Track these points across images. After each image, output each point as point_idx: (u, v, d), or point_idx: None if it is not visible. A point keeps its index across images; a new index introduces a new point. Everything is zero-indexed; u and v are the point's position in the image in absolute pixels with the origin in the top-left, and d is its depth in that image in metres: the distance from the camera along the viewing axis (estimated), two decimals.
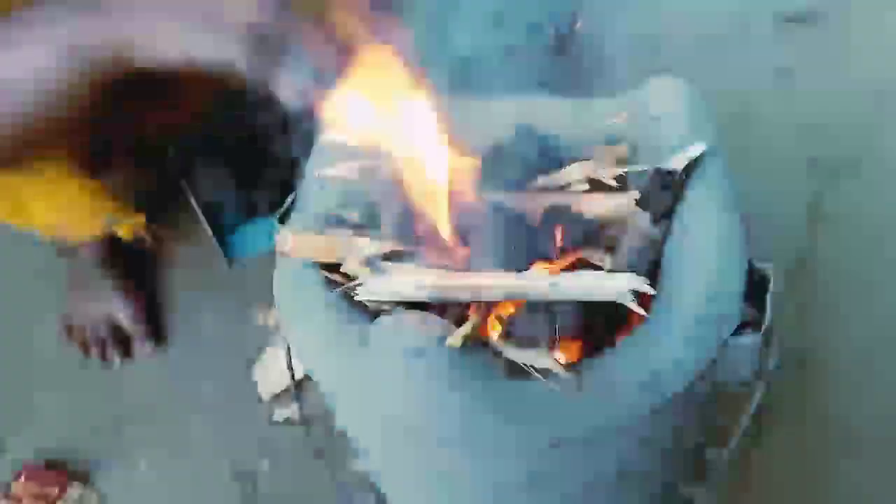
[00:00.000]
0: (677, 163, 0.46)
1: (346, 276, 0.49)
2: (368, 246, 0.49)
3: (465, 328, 0.39)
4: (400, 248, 0.49)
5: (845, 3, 1.26)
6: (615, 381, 0.40)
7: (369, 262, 0.46)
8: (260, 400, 0.89)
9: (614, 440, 0.43)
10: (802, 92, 1.13)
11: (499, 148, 0.55)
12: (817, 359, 0.79)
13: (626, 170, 0.50)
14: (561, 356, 0.39)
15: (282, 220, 0.57)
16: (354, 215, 0.51)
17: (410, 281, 0.43)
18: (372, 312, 0.46)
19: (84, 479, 0.84)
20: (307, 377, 0.72)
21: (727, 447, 0.55)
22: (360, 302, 0.46)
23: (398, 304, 0.45)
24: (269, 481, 0.83)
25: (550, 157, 0.55)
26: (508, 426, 0.39)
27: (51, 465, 0.85)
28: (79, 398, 0.92)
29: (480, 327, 0.41)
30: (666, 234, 0.46)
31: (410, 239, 0.49)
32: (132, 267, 0.97)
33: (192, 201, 0.87)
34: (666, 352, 0.41)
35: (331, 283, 0.48)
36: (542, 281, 0.42)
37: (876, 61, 1.15)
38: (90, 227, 0.87)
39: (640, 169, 0.49)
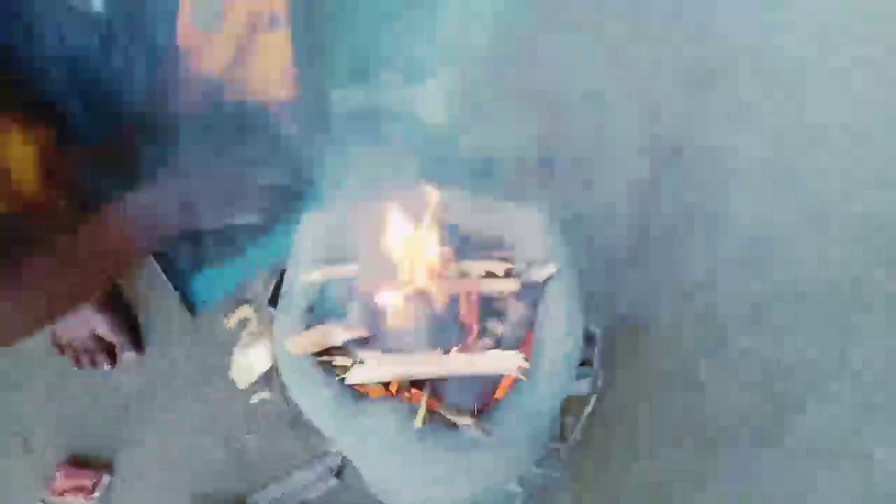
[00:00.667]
0: (540, 274, 0.72)
1: (330, 354, 0.73)
2: (344, 335, 0.73)
3: (422, 412, 0.65)
4: (365, 334, 0.73)
5: None
6: (508, 423, 0.68)
7: (352, 355, 0.71)
8: (236, 387, 1.13)
9: (513, 448, 0.73)
10: (648, 73, 1.36)
11: None
12: (649, 328, 1.10)
13: (510, 267, 0.75)
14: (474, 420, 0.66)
15: (272, 303, 0.80)
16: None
17: (376, 373, 0.69)
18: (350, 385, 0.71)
19: (107, 467, 1.07)
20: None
21: (578, 416, 0.87)
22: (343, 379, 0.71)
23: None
24: (255, 450, 1.09)
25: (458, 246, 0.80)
26: (450, 455, 0.67)
27: (74, 461, 1.07)
28: (80, 403, 1.13)
29: (429, 400, 0.68)
30: (534, 315, 0.73)
31: (373, 327, 0.74)
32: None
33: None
34: (537, 399, 0.69)
35: (322, 364, 0.72)
36: (466, 364, 0.69)
37: (704, 47, 1.41)
38: None
39: (518, 267, 0.75)
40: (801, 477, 1.00)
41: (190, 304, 1.11)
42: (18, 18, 0.81)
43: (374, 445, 0.68)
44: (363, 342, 0.73)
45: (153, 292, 1.18)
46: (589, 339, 0.74)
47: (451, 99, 1.29)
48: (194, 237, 1.04)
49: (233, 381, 1.13)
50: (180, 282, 1.10)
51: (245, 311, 1.17)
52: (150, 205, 0.89)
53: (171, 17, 0.93)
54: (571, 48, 1.36)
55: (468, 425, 0.66)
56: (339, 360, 0.72)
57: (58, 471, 1.04)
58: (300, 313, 0.75)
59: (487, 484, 0.82)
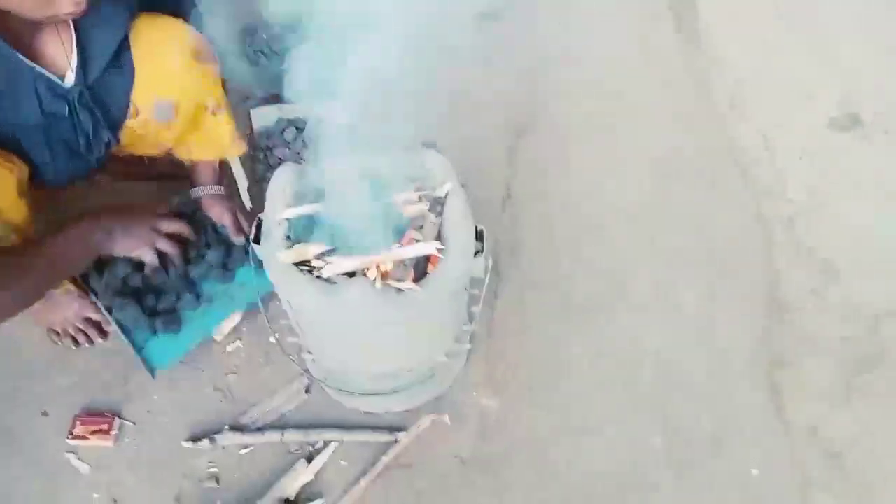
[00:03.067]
0: (442, 191, 1.09)
1: (307, 265, 1.06)
2: (314, 250, 1.06)
3: (378, 279, 1.00)
4: (329, 248, 1.07)
5: (519, 4, 1.95)
6: (434, 285, 1.03)
7: (322, 259, 1.04)
8: (214, 342, 1.41)
9: (439, 306, 1.08)
10: (496, 73, 1.81)
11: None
12: (521, 247, 1.51)
13: (421, 194, 1.11)
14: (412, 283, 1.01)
15: (256, 241, 1.11)
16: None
17: (343, 265, 1.03)
18: (325, 278, 1.04)
19: (118, 415, 1.31)
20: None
21: (478, 305, 1.24)
22: (320, 276, 1.04)
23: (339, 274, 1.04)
24: (237, 386, 1.37)
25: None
26: (398, 312, 1.02)
27: (87, 413, 1.30)
28: (82, 373, 1.36)
29: (381, 275, 1.03)
30: (441, 220, 1.09)
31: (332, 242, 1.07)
32: None
33: (114, 325, 1.31)
34: (451, 271, 1.05)
35: (301, 269, 1.05)
36: (402, 252, 1.04)
37: (533, 51, 1.87)
38: None
39: (429, 193, 1.11)
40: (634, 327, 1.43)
41: (149, 368, 1.32)
42: (9, 90, 1.07)
43: (347, 311, 1.01)
44: (327, 253, 1.06)
45: None
46: (478, 234, 1.11)
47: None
48: (149, 311, 1.33)
49: (210, 337, 1.41)
50: (139, 347, 1.32)
51: None
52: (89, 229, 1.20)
53: (125, 92, 1.21)
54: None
55: (409, 286, 1.01)
56: (314, 264, 1.05)
57: (75, 421, 1.28)
58: (280, 241, 1.07)
59: (427, 346, 1.17)
